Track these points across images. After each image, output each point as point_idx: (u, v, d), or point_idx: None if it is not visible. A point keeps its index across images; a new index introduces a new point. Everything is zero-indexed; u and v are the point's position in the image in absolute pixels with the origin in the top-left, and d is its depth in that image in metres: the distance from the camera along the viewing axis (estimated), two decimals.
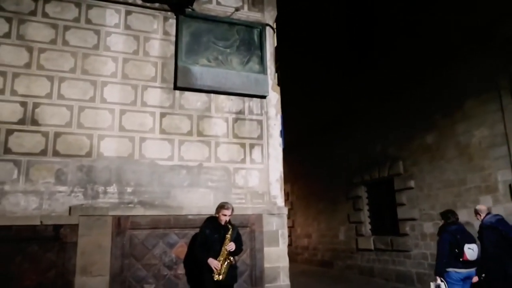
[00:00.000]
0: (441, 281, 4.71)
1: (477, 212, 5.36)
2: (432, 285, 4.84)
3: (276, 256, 5.35)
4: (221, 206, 4.52)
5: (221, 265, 4.26)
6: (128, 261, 4.74)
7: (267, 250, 5.31)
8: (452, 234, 4.78)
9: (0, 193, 4.45)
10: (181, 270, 4.91)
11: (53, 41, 4.96)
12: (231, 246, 4.35)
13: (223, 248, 4.33)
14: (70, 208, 4.64)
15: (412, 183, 8.57)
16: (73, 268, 4.51)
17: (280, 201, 5.59)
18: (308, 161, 13.13)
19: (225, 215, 4.46)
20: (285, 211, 5.56)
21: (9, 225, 4.37)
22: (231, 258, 4.33)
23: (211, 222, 4.58)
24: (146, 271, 4.79)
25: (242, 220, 5.25)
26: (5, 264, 4.29)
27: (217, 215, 4.53)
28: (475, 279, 4.86)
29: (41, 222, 4.48)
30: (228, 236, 4.38)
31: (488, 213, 5.31)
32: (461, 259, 4.64)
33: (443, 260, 4.75)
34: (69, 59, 4.98)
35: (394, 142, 9.19)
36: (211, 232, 4.44)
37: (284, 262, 5.40)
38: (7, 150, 4.55)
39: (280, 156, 5.74)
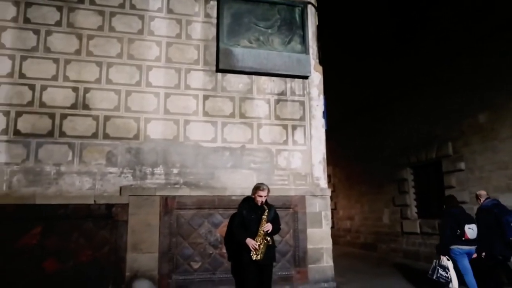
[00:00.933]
0: (448, 259, 5.28)
1: (477, 197, 5.86)
2: (434, 262, 5.41)
3: (319, 237, 5.35)
4: (257, 188, 4.51)
5: (259, 245, 4.29)
6: (176, 239, 4.92)
7: (310, 231, 5.32)
8: (453, 217, 5.33)
9: (57, 173, 4.74)
10: (225, 250, 5.04)
11: (101, 28, 5.13)
12: (267, 227, 4.35)
13: (260, 229, 4.34)
14: (120, 188, 4.86)
15: (462, 165, 8.18)
16: (124, 245, 4.75)
17: (323, 182, 5.55)
18: (350, 143, 12.89)
19: (261, 196, 4.44)
20: (328, 192, 5.52)
21: (66, 203, 4.66)
22: (268, 238, 4.34)
23: (248, 202, 4.61)
24: (192, 249, 4.96)
25: (284, 201, 5.28)
26: (64, 240, 4.59)
27: (253, 196, 4.54)
28: (474, 255, 5.39)
29: (94, 201, 4.73)
30: (264, 217, 4.39)
31: (487, 198, 5.77)
32: (463, 238, 5.21)
33: (446, 241, 5.33)
34: (115, 44, 5.15)
35: (443, 122, 8.78)
36: (248, 213, 4.46)
37: (328, 244, 5.39)
38: (62, 134, 4.82)
39: (323, 138, 5.67)
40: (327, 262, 5.34)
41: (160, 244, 4.84)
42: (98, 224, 4.74)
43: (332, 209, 5.92)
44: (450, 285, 5.24)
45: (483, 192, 5.92)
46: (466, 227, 5.20)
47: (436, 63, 8.91)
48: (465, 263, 5.31)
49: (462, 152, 8.25)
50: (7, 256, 4.39)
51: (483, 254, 5.42)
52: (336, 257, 5.72)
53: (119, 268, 4.69)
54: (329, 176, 13.25)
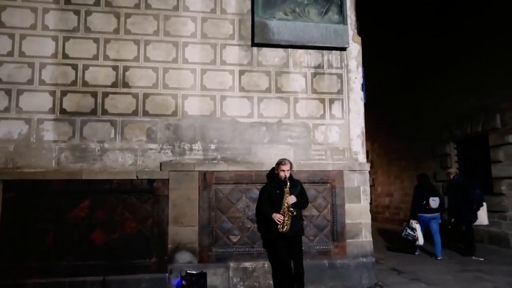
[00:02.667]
0: (416, 223, 6.97)
1: (448, 174, 7.66)
2: (404, 224, 7.14)
3: (357, 212, 5.29)
4: (279, 163, 4.69)
5: (284, 217, 4.44)
6: (215, 213, 5.03)
7: (348, 206, 5.27)
8: (422, 190, 7.09)
9: (101, 150, 4.92)
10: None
11: (137, 6, 5.17)
12: (291, 200, 4.48)
13: (283, 201, 4.48)
14: (161, 164, 4.99)
15: (511, 138, 7.75)
16: (166, 218, 4.91)
17: (362, 157, 5.43)
18: (389, 118, 12.51)
19: (283, 170, 4.60)
20: (367, 167, 5.41)
21: (111, 179, 4.85)
22: (292, 209, 4.45)
23: (273, 179, 4.82)
24: (231, 223, 5.05)
25: (322, 176, 5.24)
26: (110, 213, 4.81)
27: (276, 172, 4.71)
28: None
29: (136, 176, 4.90)
30: (286, 189, 4.50)
31: (456, 174, 7.61)
32: (427, 207, 6.96)
33: (416, 208, 7.09)
34: (152, 22, 5.18)
35: (491, 93, 8.30)
36: (273, 189, 4.66)
37: (366, 219, 5.32)
38: (104, 111, 4.97)
39: (361, 111, 5.51)
40: (366, 237, 5.29)
41: (200, 218, 4.96)
42: (141, 198, 4.92)
43: (370, 186, 5.97)
44: (417, 242, 6.88)
45: (452, 170, 7.82)
46: (431, 199, 6.89)
47: (482, 32, 8.37)
48: (434, 227, 7.05)
49: (511, 124, 7.79)
50: (60, 228, 4.67)
51: (453, 220, 7.20)
52: (374, 233, 5.66)
53: (162, 240, 4.87)
54: (367, 152, 13.02)
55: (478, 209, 7.13)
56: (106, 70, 5.03)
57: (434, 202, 6.92)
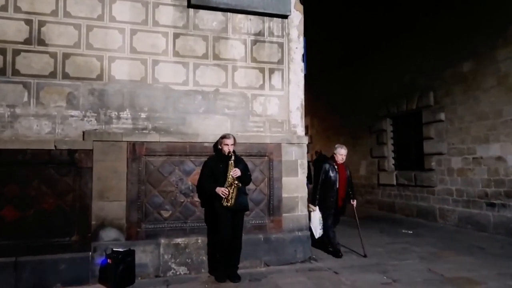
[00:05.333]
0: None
1: (316, 152, 10.56)
2: None
3: (294, 186, 5.21)
4: (222, 137, 4.56)
5: (229, 191, 4.31)
6: (144, 187, 4.69)
7: (285, 180, 5.16)
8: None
9: (12, 116, 4.33)
10: (197, 198, 4.85)
11: None
12: (236, 172, 4.35)
13: (228, 174, 4.33)
14: (83, 133, 4.51)
15: (442, 116, 8.09)
16: (90, 192, 4.48)
17: (301, 130, 5.32)
18: (329, 95, 12.66)
19: (227, 144, 4.47)
20: (305, 140, 5.31)
21: (24, 148, 4.29)
22: (237, 182, 4.34)
23: (216, 154, 4.65)
24: (162, 197, 4.74)
25: (260, 149, 5.07)
26: (24, 187, 4.28)
27: (220, 147, 4.56)
28: None
29: (55, 146, 4.38)
30: (231, 162, 4.37)
31: (320, 153, 10.18)
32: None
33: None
34: None
35: (426, 71, 8.57)
36: (216, 163, 4.49)
37: (303, 192, 5.27)
38: (15, 72, 4.35)
39: (301, 83, 5.36)
40: (302, 211, 5.25)
41: (128, 192, 4.60)
42: (60, 170, 4.42)
43: (308, 161, 6.06)
44: None
45: (318, 150, 10.64)
46: None
47: (421, 11, 8.53)
48: None
49: (443, 102, 8.13)
50: None
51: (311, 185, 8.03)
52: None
53: (84, 216, 4.45)
54: (306, 127, 13.14)
55: None
56: (18, 24, 4.37)
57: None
